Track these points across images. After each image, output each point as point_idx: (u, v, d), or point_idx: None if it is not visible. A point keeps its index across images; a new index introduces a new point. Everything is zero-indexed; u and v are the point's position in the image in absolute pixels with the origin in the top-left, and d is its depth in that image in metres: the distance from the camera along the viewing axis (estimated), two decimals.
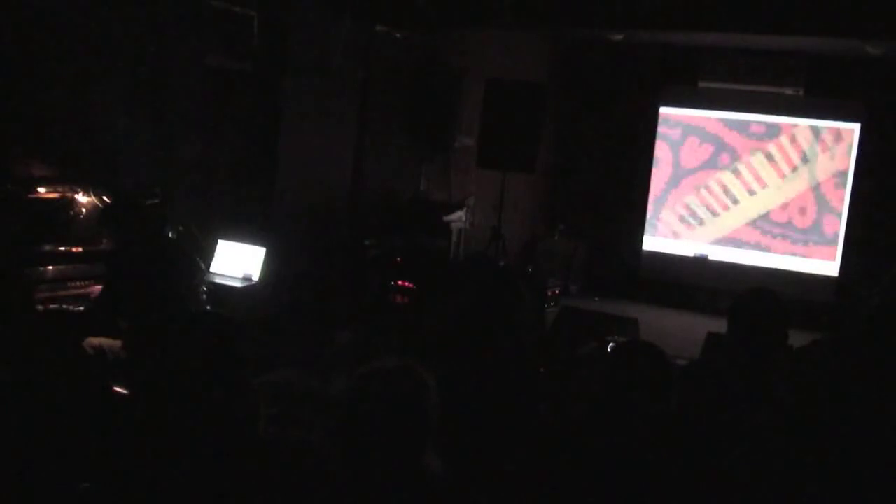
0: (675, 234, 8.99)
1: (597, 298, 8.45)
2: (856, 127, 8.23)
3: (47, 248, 3.79)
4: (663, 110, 8.92)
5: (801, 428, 2.09)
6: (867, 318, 2.68)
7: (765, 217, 8.65)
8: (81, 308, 3.77)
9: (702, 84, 8.73)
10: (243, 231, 5.06)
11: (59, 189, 3.90)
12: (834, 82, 8.22)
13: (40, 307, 3.52)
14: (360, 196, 6.59)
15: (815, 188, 8.44)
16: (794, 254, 8.52)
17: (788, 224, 8.55)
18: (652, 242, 9.06)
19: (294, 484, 1.89)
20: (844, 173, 8.31)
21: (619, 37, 8.21)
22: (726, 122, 8.72)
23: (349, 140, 6.41)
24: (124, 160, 4.63)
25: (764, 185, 8.63)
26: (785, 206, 8.56)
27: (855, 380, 2.16)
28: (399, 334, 4.11)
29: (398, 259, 6.14)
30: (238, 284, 4.83)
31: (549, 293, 7.13)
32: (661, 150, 8.97)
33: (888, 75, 7.85)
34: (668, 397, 2.22)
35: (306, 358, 3.51)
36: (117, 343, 3.58)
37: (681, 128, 8.90)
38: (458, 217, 6.99)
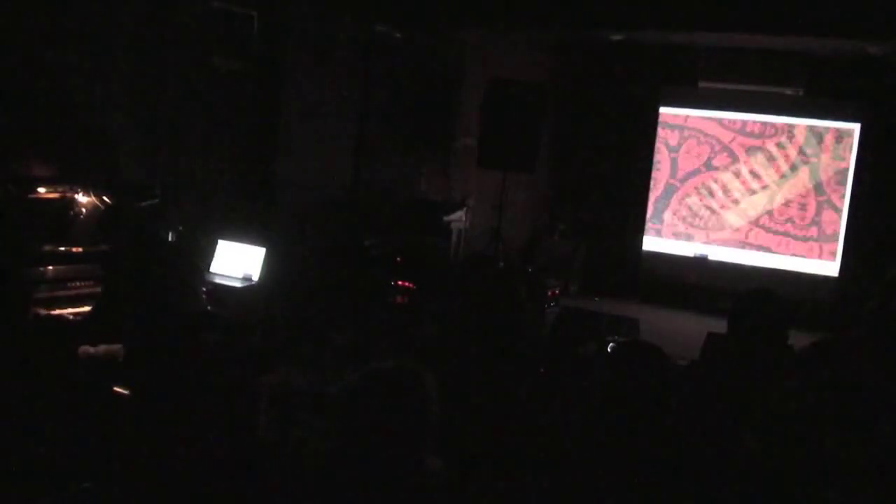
0: (675, 235, 8.99)
1: (597, 298, 8.44)
2: (856, 127, 8.23)
3: (47, 248, 3.78)
4: (663, 110, 8.92)
5: (799, 429, 2.09)
6: (866, 321, 2.69)
7: (765, 217, 8.64)
8: (80, 310, 3.76)
9: (702, 84, 8.72)
10: (243, 231, 5.06)
11: (59, 189, 3.89)
12: (834, 82, 8.20)
13: (42, 311, 3.51)
14: (360, 196, 6.59)
15: (815, 188, 8.44)
16: (794, 254, 8.52)
17: (788, 224, 8.55)
18: (652, 242, 9.05)
19: (294, 484, 1.90)
20: (844, 173, 8.30)
21: (619, 37, 8.21)
22: (726, 122, 8.71)
23: (349, 140, 6.41)
24: (124, 160, 4.64)
25: (764, 185, 8.63)
26: (785, 207, 8.56)
27: (856, 381, 2.16)
28: (399, 334, 4.10)
29: (398, 259, 6.13)
30: (238, 284, 4.83)
31: (549, 293, 7.11)
32: (661, 150, 8.97)
33: (888, 75, 7.85)
34: (668, 397, 2.22)
35: (306, 358, 3.50)
36: (115, 348, 3.57)
37: (681, 128, 8.90)
38: (458, 217, 6.99)
